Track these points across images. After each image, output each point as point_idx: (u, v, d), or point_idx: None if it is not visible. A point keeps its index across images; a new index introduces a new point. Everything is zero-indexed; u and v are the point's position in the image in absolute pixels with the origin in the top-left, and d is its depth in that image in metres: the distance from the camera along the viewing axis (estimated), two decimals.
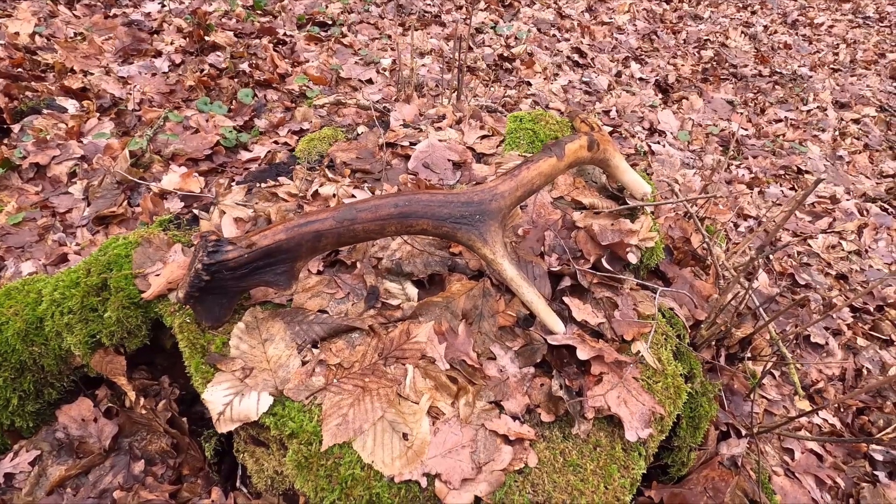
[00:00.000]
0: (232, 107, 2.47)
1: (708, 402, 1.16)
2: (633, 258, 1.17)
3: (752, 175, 2.98)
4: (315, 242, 0.88)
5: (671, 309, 1.19)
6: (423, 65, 3.22)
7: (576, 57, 3.81)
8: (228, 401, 0.84)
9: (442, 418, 0.86)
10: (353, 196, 1.21)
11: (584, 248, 1.17)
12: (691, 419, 1.15)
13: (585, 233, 1.18)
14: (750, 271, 1.96)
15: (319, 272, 1.06)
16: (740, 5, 5.51)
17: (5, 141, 2.18)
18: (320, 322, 0.95)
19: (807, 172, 3.08)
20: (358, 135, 1.50)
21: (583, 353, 0.94)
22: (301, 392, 0.86)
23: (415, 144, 1.46)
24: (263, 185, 1.29)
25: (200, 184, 1.97)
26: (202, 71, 2.71)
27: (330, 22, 3.55)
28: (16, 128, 2.20)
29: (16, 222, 1.84)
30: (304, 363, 0.90)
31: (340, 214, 0.86)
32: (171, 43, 2.98)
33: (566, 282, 1.11)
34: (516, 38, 3.81)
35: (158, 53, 2.88)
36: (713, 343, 1.41)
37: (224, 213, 1.16)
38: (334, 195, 1.23)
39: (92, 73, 2.64)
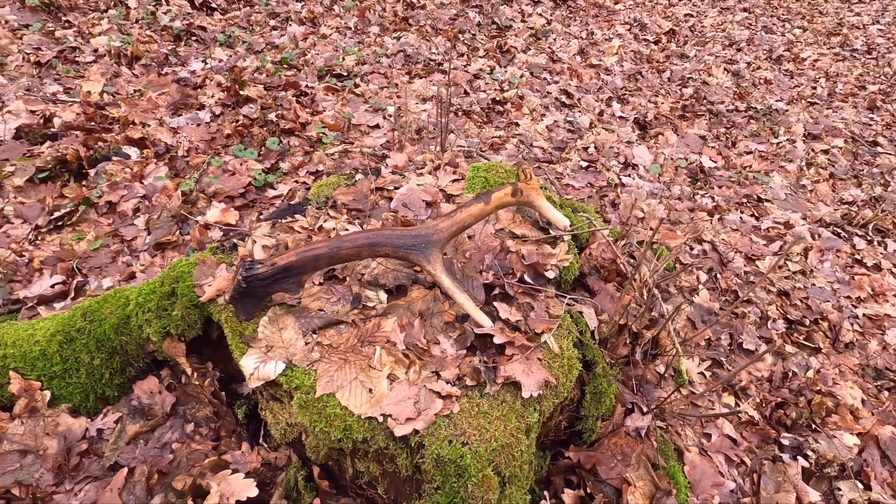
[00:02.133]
0: (261, 152, 2.99)
1: (607, 382, 1.55)
2: (551, 274, 1.58)
3: (715, 203, 3.34)
4: (315, 262, 1.32)
5: (580, 312, 1.59)
6: (424, 110, 3.72)
7: (563, 98, 4.27)
8: (256, 366, 1.29)
9: (397, 381, 1.29)
10: (346, 229, 1.66)
11: (514, 267, 1.59)
12: (594, 395, 1.54)
13: (516, 255, 1.61)
14: (666, 285, 2.33)
15: (320, 283, 1.51)
16: (727, 43, 5.91)
17: (84, 183, 2.73)
18: (318, 317, 1.39)
19: (766, 201, 3.42)
20: (356, 181, 1.96)
21: (498, 340, 1.36)
22: (304, 361, 1.30)
23: (398, 188, 1.91)
24: (284, 220, 1.75)
25: (236, 217, 2.47)
26: (237, 121, 3.26)
27: (346, 73, 4.10)
28: (92, 172, 2.75)
29: (95, 248, 2.35)
30: (306, 344, 1.34)
31: (332, 244, 1.31)
32: (213, 97, 3.56)
33: (497, 290, 1.53)
34: (510, 82, 4.30)
35: (202, 106, 3.46)
36: (628, 341, 1.79)
37: (255, 241, 1.63)
38: (334, 229, 1.68)
39: (149, 125, 3.21)
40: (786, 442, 2.00)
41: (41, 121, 3.05)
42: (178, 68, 3.91)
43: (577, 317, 1.58)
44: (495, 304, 1.48)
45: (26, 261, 2.24)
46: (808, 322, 2.58)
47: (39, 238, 2.44)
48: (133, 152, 2.95)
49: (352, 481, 1.38)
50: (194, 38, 4.42)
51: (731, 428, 2.01)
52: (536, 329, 1.44)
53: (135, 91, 3.55)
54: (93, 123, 3.15)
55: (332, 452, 1.31)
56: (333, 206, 1.81)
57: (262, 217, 2.21)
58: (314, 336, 1.36)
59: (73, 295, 2.13)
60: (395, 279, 1.51)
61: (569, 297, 1.54)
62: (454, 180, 2.03)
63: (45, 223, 2.47)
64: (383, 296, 1.47)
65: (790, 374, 2.31)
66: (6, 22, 3.97)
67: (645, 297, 1.87)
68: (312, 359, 1.31)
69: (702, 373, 2.23)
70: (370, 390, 1.25)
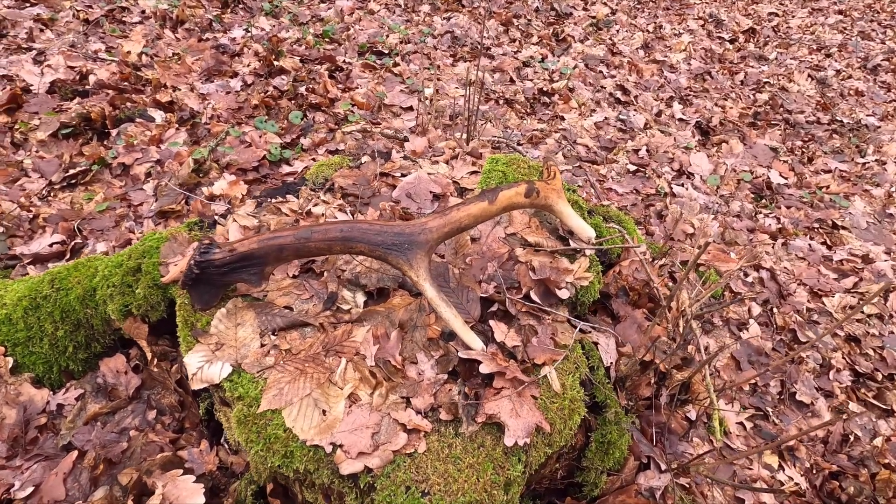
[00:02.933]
0: (284, 125, 2.85)
1: (618, 432, 1.28)
2: (564, 294, 1.32)
3: (780, 225, 2.92)
4: (279, 253, 1.13)
5: (595, 343, 1.33)
6: (462, 95, 3.47)
7: (618, 94, 3.90)
8: (201, 366, 1.11)
9: (357, 403, 1.08)
10: (335, 217, 1.46)
11: (522, 281, 1.35)
12: (601, 444, 1.28)
13: (525, 267, 1.36)
14: (709, 316, 2.00)
15: (294, 276, 1.32)
16: (815, 47, 5.29)
17: (105, 142, 2.68)
18: (282, 315, 1.20)
19: (843, 228, 2.97)
20: (361, 163, 1.76)
21: (485, 368, 1.12)
22: (254, 367, 1.12)
23: (405, 176, 1.69)
24: (273, 200, 1.58)
25: (244, 191, 2.33)
26: (266, 92, 3.14)
27: (387, 51, 3.91)
28: (114, 132, 2.70)
29: (101, 209, 2.28)
30: (262, 345, 1.16)
31: (299, 233, 1.11)
32: (248, 65, 3.46)
33: (496, 307, 1.29)
34: (561, 73, 3.97)
35: (235, 74, 3.36)
36: (653, 381, 1.51)
37: (235, 221, 1.45)
38: (323, 215, 1.49)
39: (179, 89, 3.14)
40: None
41: (77, 77, 3.02)
42: (220, 35, 3.84)
43: (589, 348, 1.32)
44: (491, 322, 1.24)
45: (31, 216, 2.19)
46: (880, 377, 2.18)
47: (52, 194, 2.39)
48: (158, 115, 2.88)
49: None
50: (241, 5, 4.35)
51: (771, 496, 1.69)
52: (536, 359, 1.20)
53: (173, 54, 3.49)
54: (126, 84, 3.11)
55: (276, 475, 1.12)
56: (330, 190, 1.61)
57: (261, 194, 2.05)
58: (273, 337, 1.17)
59: (68, 256, 2.06)
60: (377, 280, 1.30)
61: (583, 323, 1.28)
62: (472, 172, 1.79)
63: (59, 180, 2.43)
64: (360, 299, 1.26)
65: (851, 438, 1.94)
66: None
67: (680, 330, 1.58)
68: (265, 364, 1.12)
69: (741, 423, 1.90)
70: (324, 412, 1.05)
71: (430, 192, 1.63)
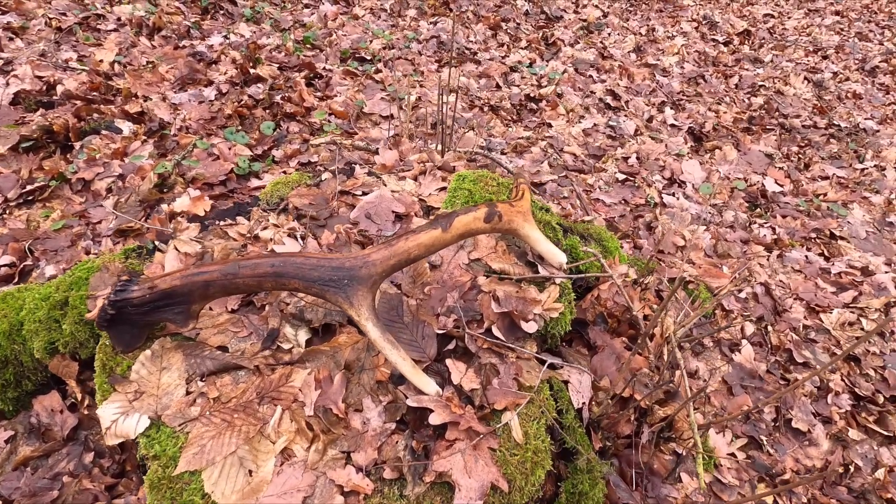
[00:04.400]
0: (256, 136, 2.74)
1: (591, 481, 1.16)
2: (531, 327, 1.20)
3: (775, 236, 2.80)
4: (205, 289, 1.01)
5: (565, 382, 1.21)
6: (445, 102, 3.35)
7: (608, 99, 3.78)
8: (116, 418, 0.99)
9: (291, 460, 0.96)
10: (283, 243, 1.34)
11: (485, 313, 1.22)
12: (572, 495, 1.16)
13: (489, 297, 1.23)
14: (699, 336, 1.88)
15: (233, 311, 1.20)
16: (811, 49, 5.17)
17: (68, 156, 2.57)
18: (212, 357, 1.08)
19: (842, 238, 2.84)
20: (321, 181, 1.64)
21: (435, 419, 1.00)
22: (176, 419, 0.99)
23: (367, 194, 1.57)
24: (221, 223, 1.46)
25: (208, 207, 2.21)
26: (241, 101, 3.03)
27: (370, 58, 3.80)
28: (77, 146, 2.58)
29: (56, 228, 2.16)
30: (188, 393, 1.04)
31: (226, 268, 0.99)
32: (224, 73, 3.35)
33: (455, 343, 1.16)
34: (549, 78, 3.86)
35: (210, 83, 3.24)
36: (633, 418, 1.38)
37: (176, 248, 1.33)
38: (271, 240, 1.37)
39: (150, 99, 3.02)
40: None
41: (44, 87, 2.91)
42: (197, 42, 3.73)
43: (559, 387, 1.19)
44: (448, 362, 1.12)
45: None
46: (882, 400, 2.05)
47: (7, 212, 2.28)
48: (126, 127, 2.76)
49: None
50: (222, 11, 4.24)
51: None
52: (496, 404, 1.07)
53: (147, 63, 3.38)
54: (95, 94, 2.99)
55: None
56: (284, 210, 1.49)
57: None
58: (201, 383, 1.05)
59: (16, 280, 1.94)
60: (324, 315, 1.18)
61: (551, 359, 1.16)
62: (441, 189, 1.67)
63: (15, 196, 2.31)
64: (303, 337, 1.14)
65: (851, 469, 1.81)
66: None
67: (665, 358, 1.45)
68: (189, 415, 1.00)
69: (733, 454, 1.77)
70: (250, 472, 0.93)
71: (393, 211, 1.51)
